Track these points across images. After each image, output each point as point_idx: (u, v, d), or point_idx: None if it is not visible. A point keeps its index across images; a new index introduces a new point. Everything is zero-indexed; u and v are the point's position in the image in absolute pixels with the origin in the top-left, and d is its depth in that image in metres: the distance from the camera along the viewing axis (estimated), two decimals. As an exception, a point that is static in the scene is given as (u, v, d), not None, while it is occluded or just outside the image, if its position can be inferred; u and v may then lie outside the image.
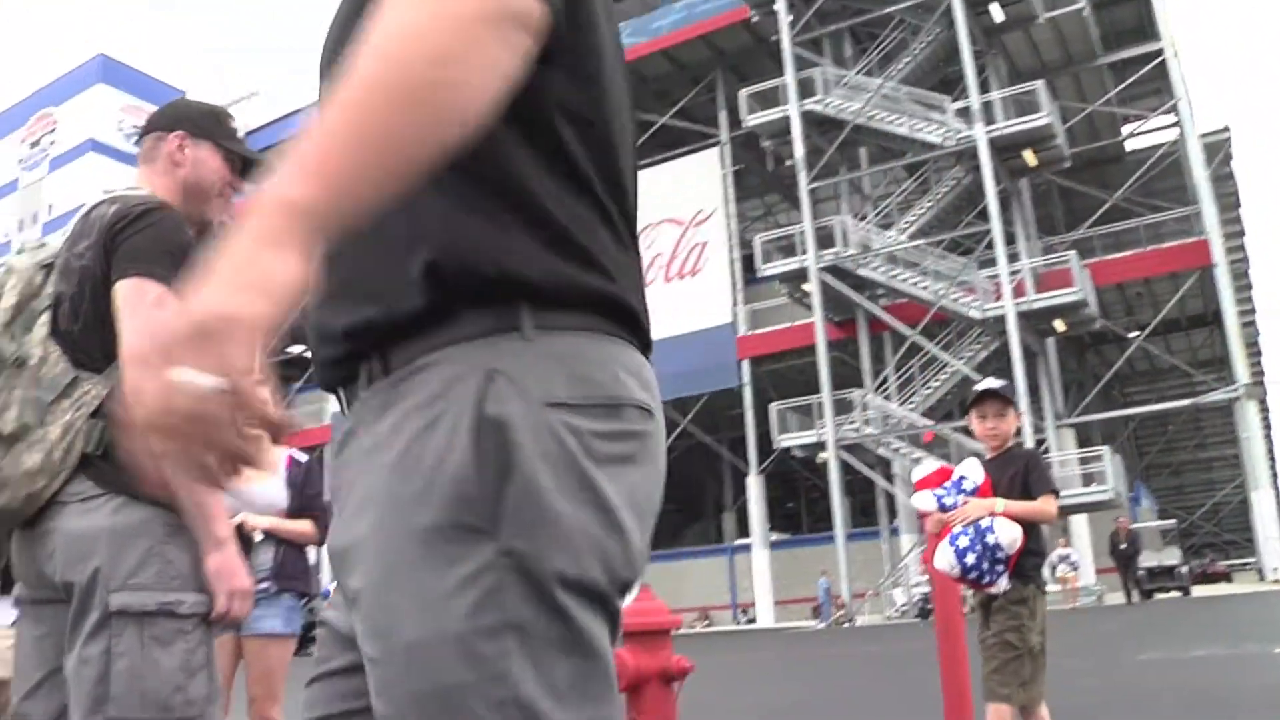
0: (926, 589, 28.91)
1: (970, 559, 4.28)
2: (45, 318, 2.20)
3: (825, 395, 32.28)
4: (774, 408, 33.99)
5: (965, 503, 4.42)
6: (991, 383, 4.81)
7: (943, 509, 4.49)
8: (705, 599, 39.02)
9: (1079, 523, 30.19)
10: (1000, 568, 4.31)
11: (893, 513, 34.01)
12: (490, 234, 1.06)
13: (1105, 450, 30.03)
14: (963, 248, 33.07)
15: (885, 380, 32.91)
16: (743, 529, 40.00)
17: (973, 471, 4.54)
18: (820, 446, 32.75)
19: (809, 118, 33.67)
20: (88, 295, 2.20)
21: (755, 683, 13.37)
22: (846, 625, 29.54)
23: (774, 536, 37.71)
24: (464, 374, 1.04)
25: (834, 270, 32.73)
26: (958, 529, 4.37)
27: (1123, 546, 25.81)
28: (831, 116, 33.27)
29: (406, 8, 0.94)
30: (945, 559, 4.38)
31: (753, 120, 34.83)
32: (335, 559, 1.11)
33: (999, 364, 30.58)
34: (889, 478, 32.90)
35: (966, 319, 30.93)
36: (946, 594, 5.56)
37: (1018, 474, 4.48)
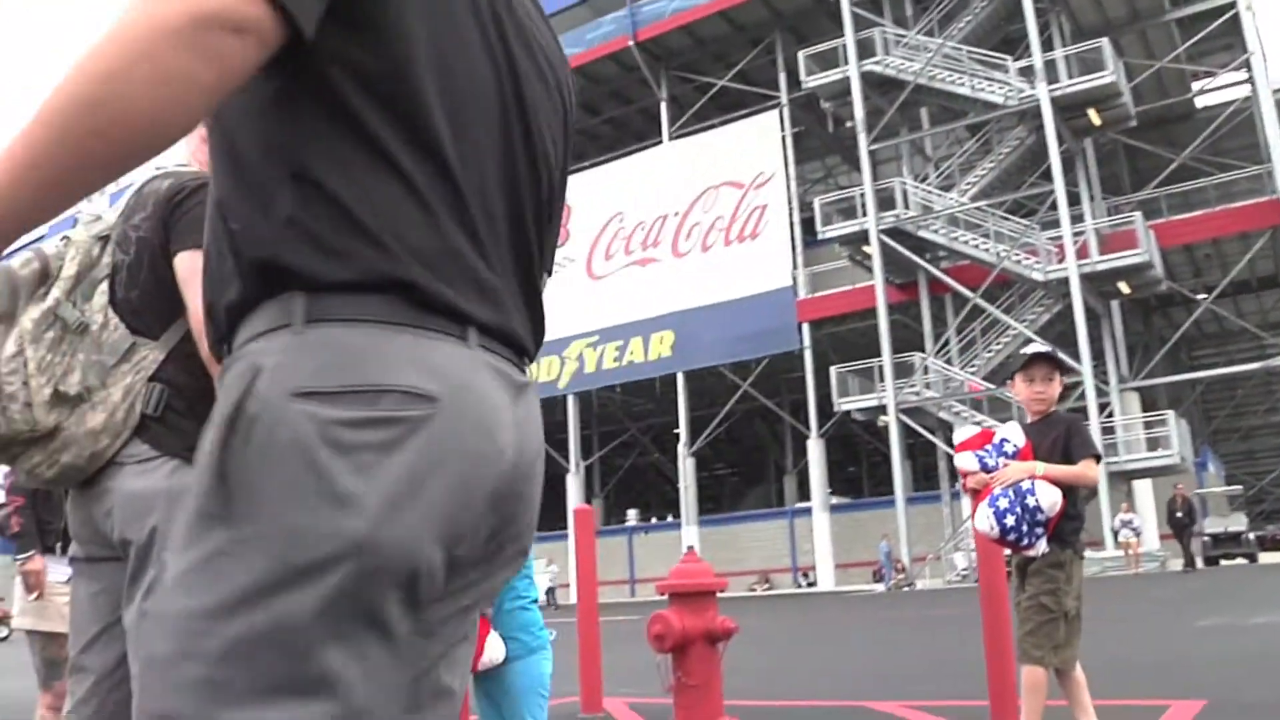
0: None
1: (1010, 520, 4.31)
2: (104, 286, 2.29)
3: (886, 358, 32.10)
4: (834, 371, 33.88)
5: (1006, 465, 4.45)
6: (1041, 345, 4.83)
7: (984, 470, 4.52)
8: (766, 562, 39.11)
9: (1143, 488, 29.86)
10: (1040, 530, 4.33)
11: (954, 476, 33.82)
12: (272, 225, 1.11)
13: (1170, 414, 29.61)
14: (1026, 209, 32.63)
15: (946, 343, 32.63)
16: (804, 492, 39.98)
17: (1014, 435, 4.57)
18: (881, 410, 32.64)
19: (869, 78, 33.31)
20: (145, 265, 2.30)
21: (814, 645, 13.45)
22: (907, 589, 29.53)
23: (834, 500, 37.66)
24: (243, 371, 1.08)
25: (895, 232, 32.45)
26: (998, 491, 4.40)
27: (1179, 514, 25.15)
28: (892, 77, 32.86)
29: (109, 23, 0.99)
30: (985, 520, 4.42)
31: (812, 82, 34.51)
32: None
33: (1062, 326, 30.24)
34: (950, 441, 32.68)
35: (1029, 281, 30.56)
36: (990, 558, 5.59)
37: (1059, 438, 4.50)
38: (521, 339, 1.25)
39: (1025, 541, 4.36)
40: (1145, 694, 6.19)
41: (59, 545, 4.61)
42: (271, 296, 1.11)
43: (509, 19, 1.26)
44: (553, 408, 41.43)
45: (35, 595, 4.60)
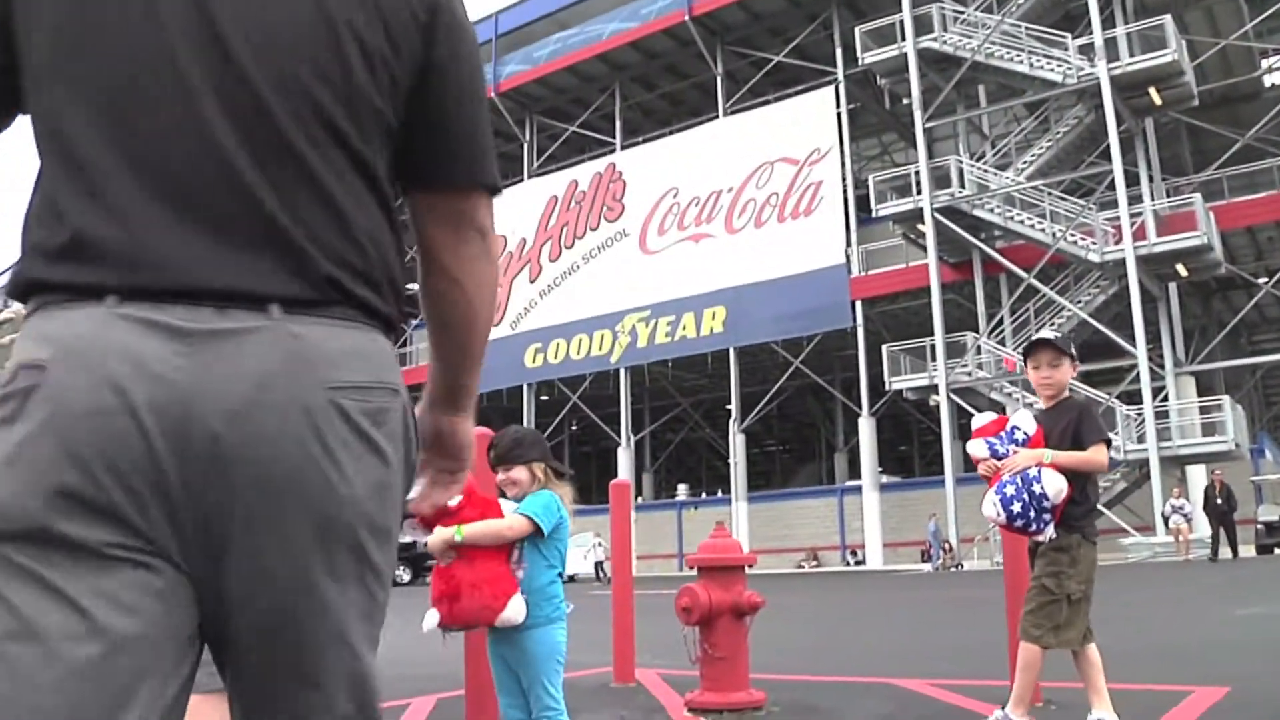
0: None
1: (1016, 507, 4.41)
2: None
3: (938, 338, 31.96)
4: (886, 350, 33.78)
5: (1015, 452, 4.54)
6: (1047, 332, 4.91)
7: (995, 456, 4.61)
8: (815, 539, 39.17)
9: (1196, 474, 29.51)
10: (1047, 516, 4.43)
11: (1004, 458, 33.55)
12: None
13: (1226, 400, 29.23)
14: (1083, 189, 32.26)
15: (1000, 323, 32.39)
16: (854, 470, 39.96)
17: (1025, 423, 4.65)
18: (932, 389, 32.50)
19: (926, 55, 33.02)
20: None
21: (854, 623, 13.54)
22: (954, 569, 29.50)
23: (884, 479, 37.60)
24: None
25: (949, 211, 32.21)
26: (1006, 478, 4.49)
27: (1218, 500, 23.88)
28: (949, 54, 32.56)
29: None
30: (992, 506, 4.53)
31: (869, 58, 34.24)
32: None
33: (1119, 308, 29.93)
34: (1002, 423, 32.48)
35: (1085, 262, 30.25)
36: (1013, 539, 5.69)
37: (1070, 424, 4.58)
38: (207, 287, 1.20)
39: (1034, 527, 4.45)
40: (1171, 679, 6.23)
41: None
42: None
43: None
44: (604, 381, 41.65)
45: None
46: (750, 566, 6.10)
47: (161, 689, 1.17)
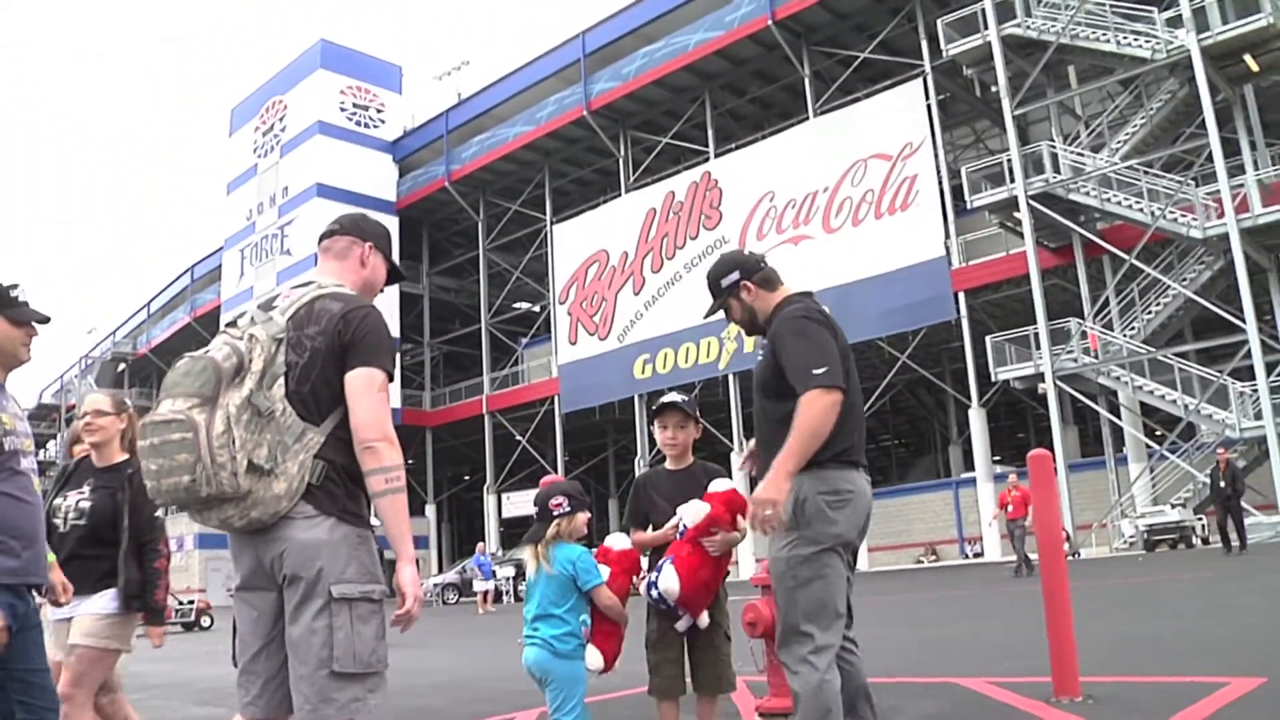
0: (1153, 520, 28.16)
1: (654, 593, 4.65)
2: (281, 380, 3.03)
3: (1041, 325, 31.54)
4: (990, 340, 33.48)
5: (680, 544, 4.68)
6: (674, 397, 5.03)
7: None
8: (932, 534, 38.97)
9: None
10: (680, 610, 4.69)
11: (1117, 442, 33.00)
12: None
13: (1346, 375, 28.36)
14: (1185, 163, 31.59)
15: (1106, 305, 31.86)
16: (970, 462, 39.64)
17: (689, 516, 4.69)
18: (1039, 377, 32.10)
19: (1010, 41, 32.65)
20: (317, 369, 3.05)
21: (946, 620, 13.67)
22: (1071, 558, 29.12)
23: (999, 469, 37.23)
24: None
25: (1045, 197, 31.78)
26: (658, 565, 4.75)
27: (1222, 484, 21.23)
28: (1033, 39, 32.21)
29: None
30: (645, 590, 4.79)
31: (953, 49, 33.94)
32: None
33: (1226, 282, 29.30)
34: (1114, 407, 32.03)
35: (1187, 239, 29.62)
36: (1049, 542, 5.96)
37: (701, 489, 4.75)
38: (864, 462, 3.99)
39: (676, 613, 4.72)
40: (1212, 671, 6.39)
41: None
42: None
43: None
44: (714, 388, 42.00)
45: None
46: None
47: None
